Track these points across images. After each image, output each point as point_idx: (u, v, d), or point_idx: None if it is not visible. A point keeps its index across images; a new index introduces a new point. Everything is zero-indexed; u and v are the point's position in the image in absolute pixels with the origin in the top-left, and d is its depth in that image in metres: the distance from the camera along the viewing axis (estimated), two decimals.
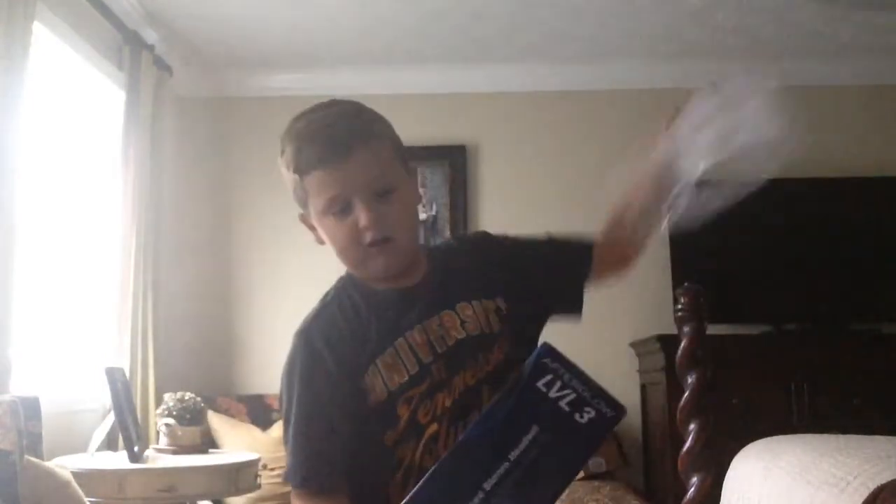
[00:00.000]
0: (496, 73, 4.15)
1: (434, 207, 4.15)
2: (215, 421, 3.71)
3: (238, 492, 3.02)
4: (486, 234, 1.39)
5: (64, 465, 2.41)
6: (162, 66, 3.72)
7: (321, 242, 1.24)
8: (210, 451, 3.22)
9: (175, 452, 2.97)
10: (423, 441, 1.15)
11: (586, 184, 4.04)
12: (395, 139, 1.26)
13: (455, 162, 4.16)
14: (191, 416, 3.06)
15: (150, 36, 3.60)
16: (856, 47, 3.88)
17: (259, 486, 3.11)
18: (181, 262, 4.04)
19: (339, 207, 1.17)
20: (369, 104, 1.33)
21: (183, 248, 4.07)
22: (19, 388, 2.50)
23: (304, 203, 1.23)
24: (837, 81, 4.07)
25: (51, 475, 2.18)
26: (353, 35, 3.80)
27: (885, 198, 3.90)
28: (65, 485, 2.19)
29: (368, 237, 1.17)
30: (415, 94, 4.20)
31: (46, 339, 3.04)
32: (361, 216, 1.16)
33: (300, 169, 1.19)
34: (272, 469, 3.57)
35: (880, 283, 3.83)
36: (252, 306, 4.16)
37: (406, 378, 1.16)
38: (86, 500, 2.25)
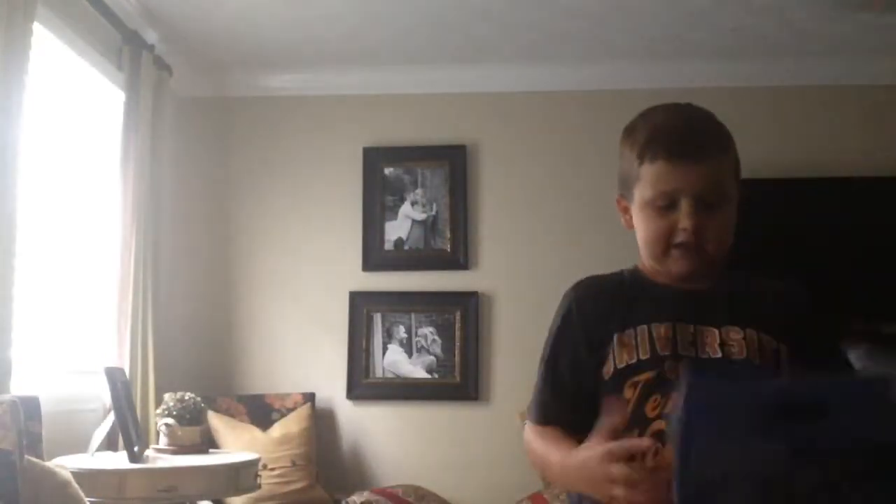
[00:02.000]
0: (496, 73, 4.15)
1: (434, 207, 4.15)
2: (215, 421, 3.71)
3: (238, 492, 3.02)
4: (804, 291, 1.35)
5: (64, 465, 2.41)
6: (162, 66, 3.72)
7: (629, 228, 1.29)
8: (210, 451, 3.22)
9: (175, 452, 2.97)
10: (646, 434, 1.12)
11: (586, 184, 4.04)
12: (737, 158, 1.27)
13: (455, 162, 4.15)
14: (191, 416, 3.07)
15: (150, 36, 3.60)
16: (855, 47, 3.88)
17: (259, 486, 3.11)
18: (181, 262, 4.04)
19: (666, 203, 1.20)
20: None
21: (183, 248, 4.07)
22: (19, 388, 2.50)
23: (630, 187, 1.25)
24: (837, 81, 4.06)
25: (51, 475, 2.18)
26: (353, 35, 3.79)
27: (885, 198, 3.90)
28: (65, 485, 2.19)
29: (681, 237, 1.19)
30: (415, 94, 4.20)
31: (46, 339, 3.04)
32: (685, 218, 1.18)
33: (645, 155, 1.22)
34: (272, 469, 3.57)
35: (880, 283, 3.83)
36: (252, 306, 4.16)
37: (634, 360, 1.19)
38: (86, 500, 2.25)
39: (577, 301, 1.28)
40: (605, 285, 1.31)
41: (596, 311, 1.25)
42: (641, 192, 1.23)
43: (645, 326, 1.20)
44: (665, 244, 1.21)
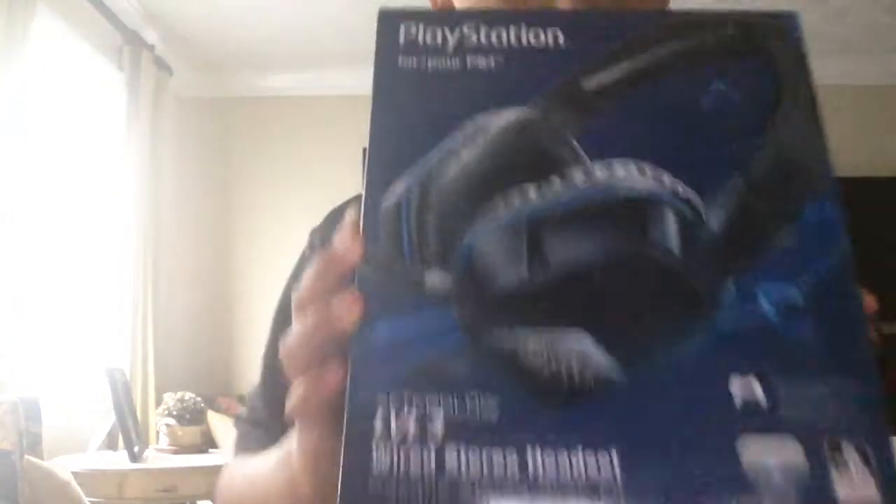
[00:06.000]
0: None
1: None
2: (215, 421, 3.71)
3: None
4: None
5: (64, 465, 2.41)
6: (162, 66, 3.73)
7: None
8: (210, 451, 3.22)
9: (175, 452, 2.98)
10: None
11: None
12: None
13: None
14: (191, 416, 3.07)
15: (150, 36, 3.60)
16: (856, 47, 3.88)
17: None
18: (181, 262, 4.04)
19: None
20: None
21: (183, 249, 4.07)
22: (19, 388, 2.50)
23: None
24: (837, 81, 4.07)
25: (51, 475, 2.18)
26: (353, 35, 3.79)
27: (885, 198, 3.90)
28: (65, 485, 2.19)
29: None
30: None
31: (47, 339, 3.04)
32: None
33: None
34: None
35: (880, 284, 3.83)
36: (252, 306, 4.16)
37: None
38: (86, 500, 2.25)
39: None
40: None
41: None
42: None
43: None
44: None
